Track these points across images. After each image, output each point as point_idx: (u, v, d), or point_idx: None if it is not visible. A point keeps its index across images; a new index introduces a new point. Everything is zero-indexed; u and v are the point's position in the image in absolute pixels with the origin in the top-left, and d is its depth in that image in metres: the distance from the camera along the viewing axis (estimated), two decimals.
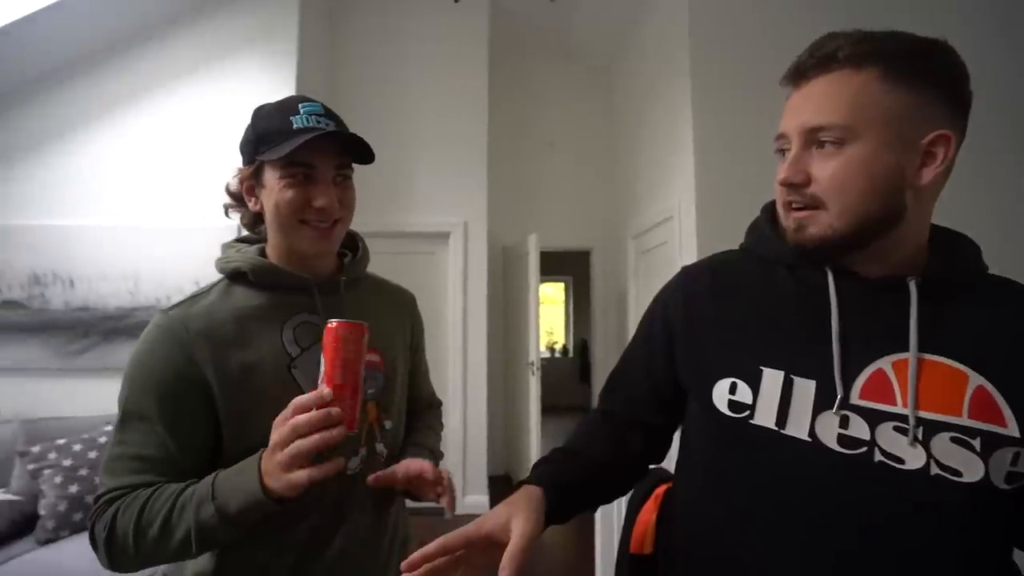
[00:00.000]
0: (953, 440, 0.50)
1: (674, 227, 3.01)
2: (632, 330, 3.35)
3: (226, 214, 0.85)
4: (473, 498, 3.52)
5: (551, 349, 8.38)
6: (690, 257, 2.77)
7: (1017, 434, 0.49)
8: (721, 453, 0.62)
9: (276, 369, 0.72)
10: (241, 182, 0.78)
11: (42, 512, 2.04)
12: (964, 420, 0.50)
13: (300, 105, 0.73)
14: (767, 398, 0.57)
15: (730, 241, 0.78)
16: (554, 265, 6.51)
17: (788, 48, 2.34)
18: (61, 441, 2.20)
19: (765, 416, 0.57)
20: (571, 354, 8.21)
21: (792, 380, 0.56)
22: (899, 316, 0.54)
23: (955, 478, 0.49)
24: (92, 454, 2.19)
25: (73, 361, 2.65)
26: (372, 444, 0.80)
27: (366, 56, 3.57)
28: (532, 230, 3.75)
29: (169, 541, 0.62)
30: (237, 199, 0.81)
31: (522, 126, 4.36)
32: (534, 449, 3.63)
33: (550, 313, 8.43)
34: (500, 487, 3.92)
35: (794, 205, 0.57)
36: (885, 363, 0.54)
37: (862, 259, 0.57)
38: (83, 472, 2.13)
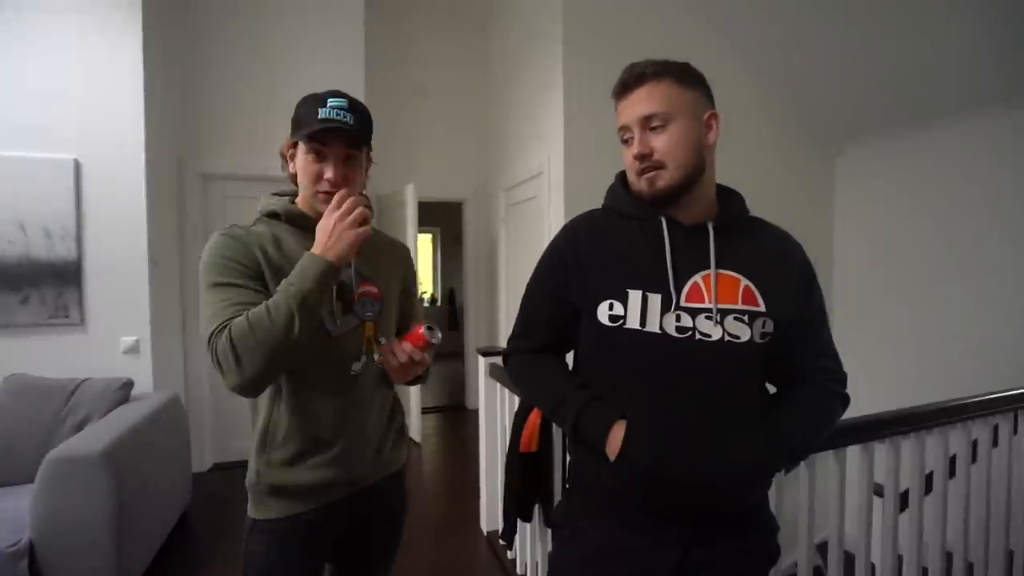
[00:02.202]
0: (735, 318, 0.84)
1: (543, 182, 3.30)
2: (503, 278, 3.72)
3: (282, 169, 1.05)
4: None
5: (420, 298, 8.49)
6: (558, 210, 3.10)
7: (765, 310, 0.85)
8: (606, 350, 0.90)
9: None
10: (287, 148, 1.01)
11: None
12: (739, 306, 0.85)
13: (328, 99, 0.95)
14: (633, 309, 0.86)
15: (595, 195, 1.04)
16: (423, 216, 6.53)
17: (658, 13, 2.76)
18: None
19: (632, 321, 0.86)
20: (439, 303, 8.43)
21: (647, 296, 0.86)
22: (703, 247, 0.87)
23: (735, 340, 0.84)
24: None
25: None
26: (371, 354, 1.05)
27: (232, 6, 3.21)
28: (407, 181, 3.79)
29: (276, 320, 0.84)
30: (284, 160, 1.04)
31: (396, 75, 4.26)
32: (412, 388, 3.83)
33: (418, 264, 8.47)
34: None
35: (646, 171, 0.86)
36: (698, 278, 0.86)
37: (681, 210, 0.89)
38: None
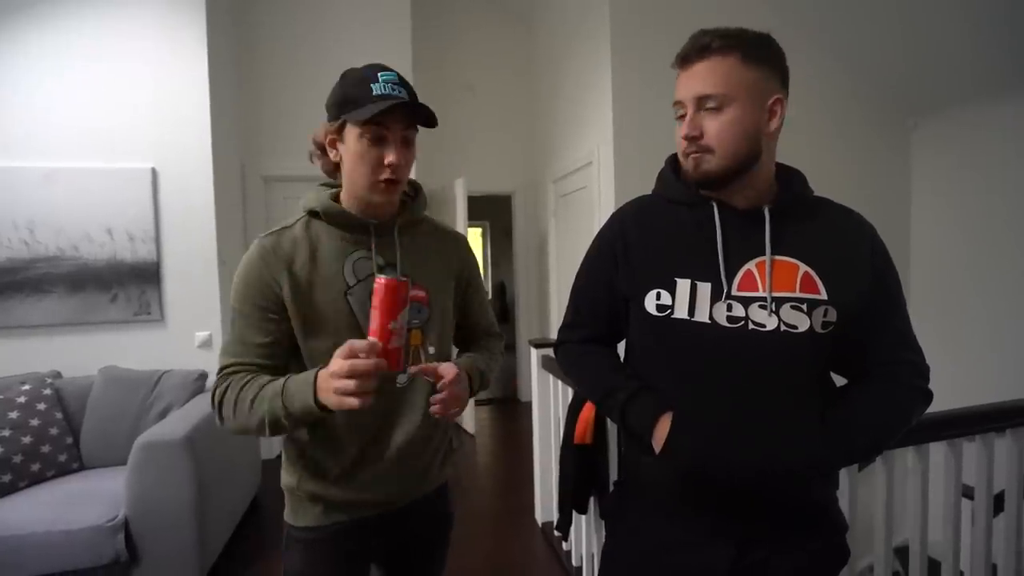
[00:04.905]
0: (792, 307, 0.78)
1: (593, 172, 3.25)
2: (554, 269, 3.66)
3: (311, 160, 0.97)
4: None
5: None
6: (608, 200, 3.05)
7: (826, 297, 0.78)
8: (655, 340, 0.87)
9: (335, 294, 0.89)
10: (326, 135, 0.91)
11: None
12: (797, 293, 0.79)
13: (379, 74, 0.85)
14: (681, 299, 0.82)
15: (646, 181, 0.99)
16: (472, 210, 6.61)
17: (706, 1, 2.62)
18: None
19: (680, 311, 0.82)
20: (490, 296, 8.52)
21: (696, 285, 0.81)
22: (758, 233, 0.81)
23: (793, 330, 0.78)
24: (13, 414, 2.07)
25: None
26: (417, 364, 0.94)
27: (284, 15, 3.36)
28: (456, 175, 3.83)
29: (252, 419, 0.81)
30: (321, 149, 0.94)
31: (443, 72, 4.31)
32: None
33: None
34: None
35: (692, 152, 0.80)
36: (751, 265, 0.81)
37: (734, 194, 0.83)
38: (5, 433, 2.03)
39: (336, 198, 0.95)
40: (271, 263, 0.87)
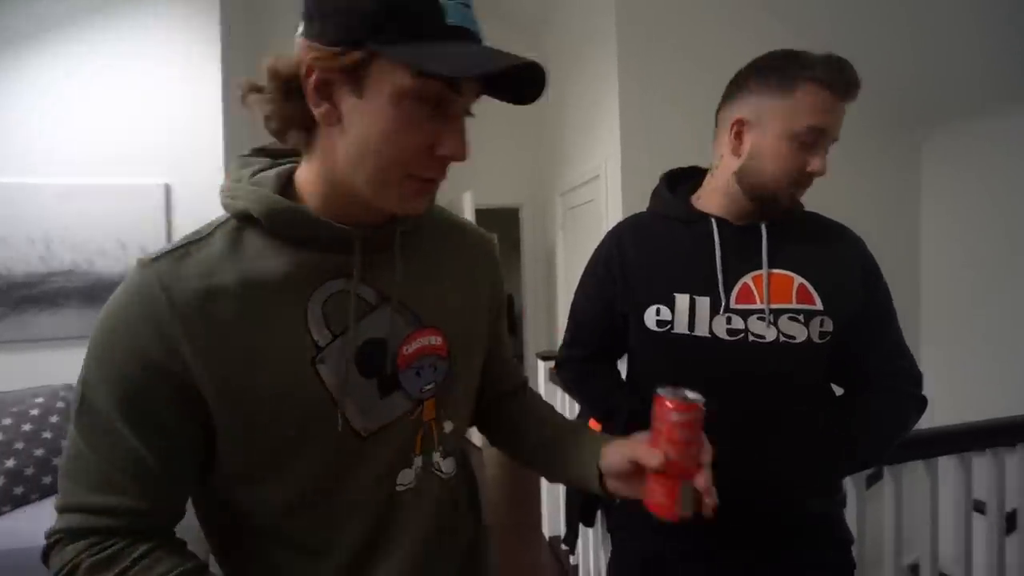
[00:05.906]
0: (789, 318, 0.80)
1: (600, 185, 3.27)
2: (561, 282, 3.66)
3: (242, 101, 0.52)
4: None
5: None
6: (616, 213, 3.06)
7: (822, 308, 0.80)
8: (655, 356, 0.89)
9: (296, 365, 0.51)
10: (309, 70, 0.47)
11: None
12: (793, 305, 0.81)
13: None
14: (680, 314, 0.84)
15: None
16: (480, 223, 6.64)
17: (712, 16, 2.65)
18: None
19: (680, 326, 0.84)
20: None
21: (695, 299, 0.83)
22: (755, 247, 0.84)
23: (791, 341, 0.80)
24: (26, 427, 2.10)
25: None
26: (429, 452, 0.60)
27: (297, 18, 3.41)
28: (464, 188, 3.87)
29: None
30: (284, 88, 0.49)
31: None
32: None
33: None
34: None
35: (805, 186, 0.81)
36: (748, 278, 0.83)
37: (735, 212, 0.85)
38: (19, 445, 2.06)
39: (289, 184, 0.55)
40: (160, 318, 0.47)
